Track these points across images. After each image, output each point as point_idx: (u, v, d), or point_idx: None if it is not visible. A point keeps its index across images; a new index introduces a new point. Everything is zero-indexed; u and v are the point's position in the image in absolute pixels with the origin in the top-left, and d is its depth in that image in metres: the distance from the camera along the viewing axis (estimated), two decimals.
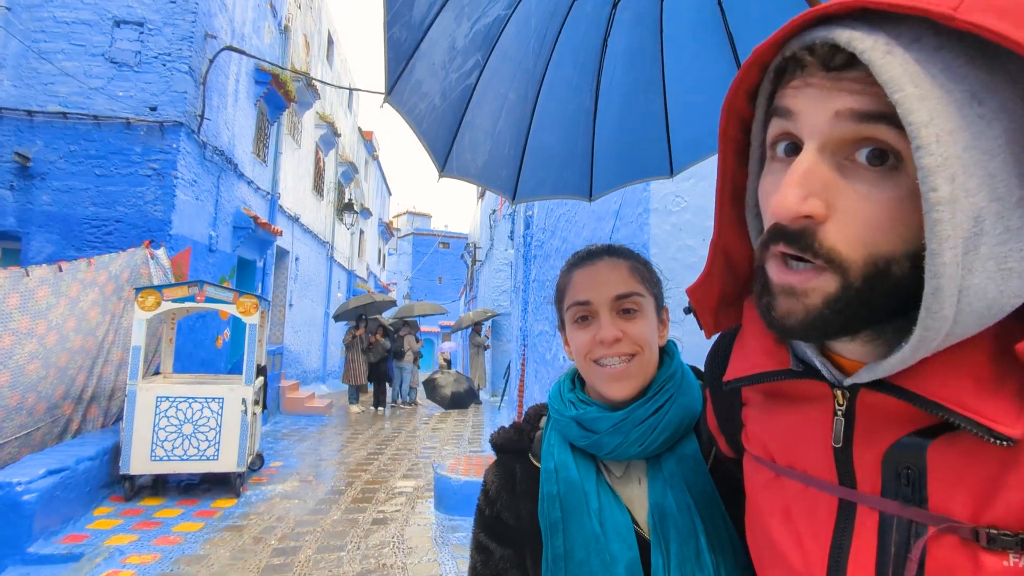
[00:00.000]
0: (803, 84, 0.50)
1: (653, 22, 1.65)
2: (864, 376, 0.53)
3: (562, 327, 1.08)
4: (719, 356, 0.82)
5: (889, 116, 0.44)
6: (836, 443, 0.56)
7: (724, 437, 0.82)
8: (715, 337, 0.84)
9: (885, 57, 0.43)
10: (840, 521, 0.56)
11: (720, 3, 1.56)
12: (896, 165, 0.46)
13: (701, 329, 0.74)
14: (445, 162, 1.63)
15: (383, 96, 1.38)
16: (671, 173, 1.82)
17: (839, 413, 0.57)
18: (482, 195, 21.68)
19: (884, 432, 0.53)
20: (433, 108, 1.51)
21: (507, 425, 1.13)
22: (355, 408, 13.01)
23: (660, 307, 1.04)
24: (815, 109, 0.49)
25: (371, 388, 13.86)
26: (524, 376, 8.46)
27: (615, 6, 1.62)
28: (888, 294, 0.48)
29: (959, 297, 0.44)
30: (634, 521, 0.92)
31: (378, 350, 13.41)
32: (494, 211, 17.45)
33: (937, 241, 0.42)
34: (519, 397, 8.73)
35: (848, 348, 0.56)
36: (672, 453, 0.94)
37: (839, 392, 0.57)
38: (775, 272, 0.53)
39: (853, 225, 0.47)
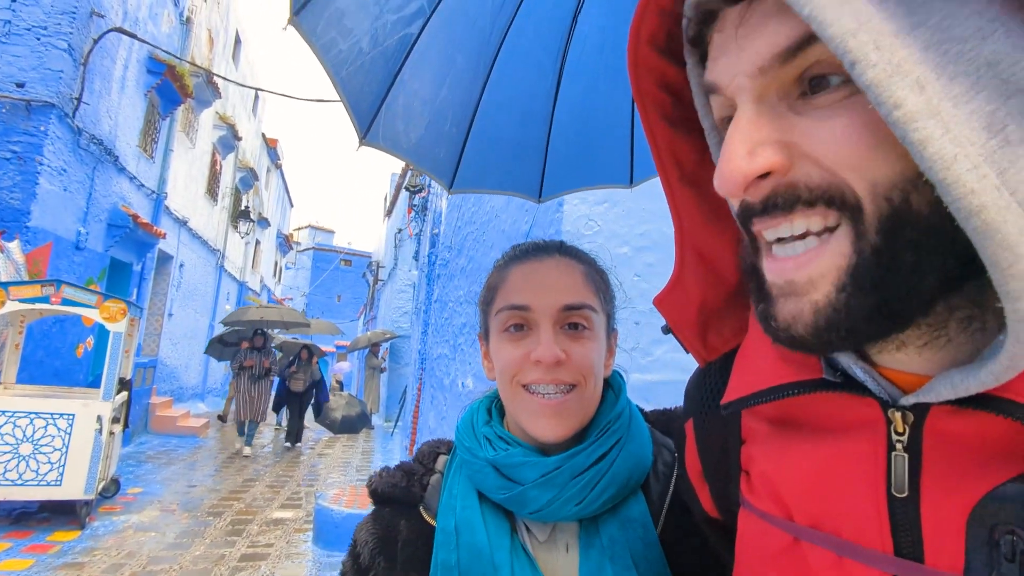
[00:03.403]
0: (718, 35, 0.42)
1: (631, 5, 1.45)
2: (944, 391, 0.36)
3: (485, 336, 0.86)
4: (711, 375, 0.62)
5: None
6: (898, 492, 0.39)
7: (711, 488, 0.62)
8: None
9: None
10: None
11: None
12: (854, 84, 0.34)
13: (687, 352, 0.56)
14: (369, 127, 1.34)
15: (288, 16, 1.07)
16: (631, 183, 1.60)
17: (898, 446, 0.39)
18: (389, 212, 21.19)
19: (970, 476, 0.36)
20: (359, 53, 1.22)
21: (392, 466, 0.87)
22: (248, 450, 10.03)
23: (611, 329, 0.84)
24: (735, 66, 0.40)
25: (279, 421, 12.25)
26: (420, 402, 8.12)
27: None
28: (920, 246, 0.34)
29: None
30: None
31: (311, 374, 11.64)
32: (400, 229, 17.02)
33: (942, 166, 0.30)
34: (413, 424, 8.38)
35: (898, 356, 0.40)
36: (614, 515, 0.74)
37: (898, 415, 0.39)
38: (767, 266, 0.41)
39: (831, 148, 0.36)
